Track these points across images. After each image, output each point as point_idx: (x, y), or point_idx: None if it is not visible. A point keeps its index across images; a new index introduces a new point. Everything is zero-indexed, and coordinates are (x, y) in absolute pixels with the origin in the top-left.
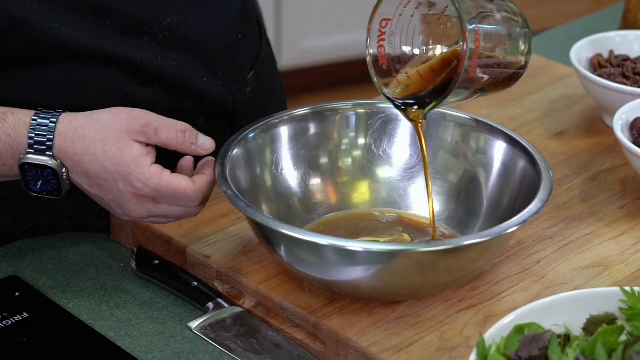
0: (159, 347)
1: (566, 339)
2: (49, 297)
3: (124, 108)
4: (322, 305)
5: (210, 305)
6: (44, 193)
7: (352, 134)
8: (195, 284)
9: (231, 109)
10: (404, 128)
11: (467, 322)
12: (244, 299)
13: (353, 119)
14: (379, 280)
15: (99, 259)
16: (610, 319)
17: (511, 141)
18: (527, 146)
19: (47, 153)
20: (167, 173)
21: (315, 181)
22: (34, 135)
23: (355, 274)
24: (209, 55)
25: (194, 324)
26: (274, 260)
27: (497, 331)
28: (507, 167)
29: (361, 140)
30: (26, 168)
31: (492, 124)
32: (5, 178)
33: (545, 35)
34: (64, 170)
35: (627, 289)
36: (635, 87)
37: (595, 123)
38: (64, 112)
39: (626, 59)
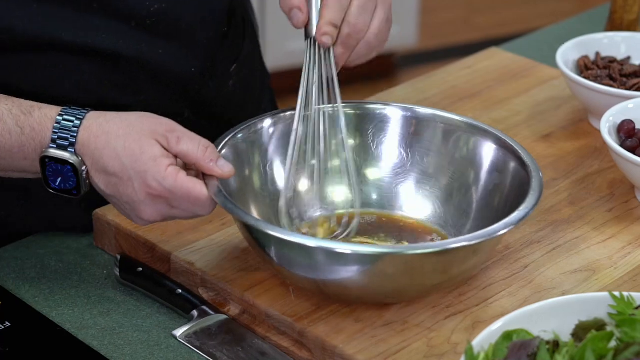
0: (143, 355)
1: (555, 345)
2: (31, 305)
3: (152, 114)
4: (308, 313)
5: (195, 312)
6: (63, 191)
7: (341, 135)
8: (180, 291)
9: (214, 101)
10: (393, 129)
11: (454, 328)
12: (229, 306)
13: (342, 120)
14: (367, 283)
15: (82, 266)
16: (599, 325)
17: (501, 143)
18: (516, 147)
19: (69, 149)
20: (182, 174)
21: (304, 182)
22: (57, 131)
23: (344, 276)
24: (196, 45)
25: (179, 332)
26: (264, 263)
27: (485, 338)
28: (497, 169)
29: (350, 142)
30: (46, 162)
31: (482, 125)
32: (24, 174)
33: (531, 37)
34: (84, 168)
35: (616, 293)
36: (622, 89)
37: (581, 125)
38: (91, 110)
39: (613, 60)
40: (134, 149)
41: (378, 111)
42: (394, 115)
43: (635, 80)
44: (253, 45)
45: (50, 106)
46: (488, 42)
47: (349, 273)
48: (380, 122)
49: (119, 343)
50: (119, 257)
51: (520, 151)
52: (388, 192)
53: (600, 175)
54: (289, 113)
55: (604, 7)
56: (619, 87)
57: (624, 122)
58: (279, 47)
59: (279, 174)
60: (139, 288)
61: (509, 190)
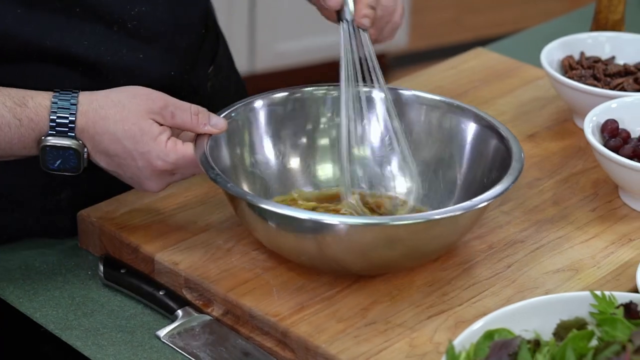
0: (127, 356)
1: (536, 345)
2: (15, 306)
3: (142, 88)
4: (291, 313)
5: (179, 313)
6: (62, 170)
7: (329, 115)
8: (164, 291)
9: (193, 103)
10: (379, 109)
11: (437, 328)
12: (213, 306)
13: (329, 101)
14: (354, 251)
15: (66, 267)
16: (580, 324)
17: (482, 121)
18: (497, 126)
19: (69, 134)
20: (180, 144)
21: (295, 160)
22: (55, 117)
23: (329, 244)
24: (175, 48)
25: (162, 333)
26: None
27: (466, 337)
28: (479, 146)
29: (338, 121)
30: (47, 150)
31: (464, 105)
32: (19, 157)
33: (517, 37)
34: (85, 150)
35: (598, 293)
36: (606, 88)
37: (566, 125)
38: (79, 92)
39: (597, 60)
40: (134, 131)
41: (364, 92)
42: (377, 96)
43: (619, 80)
44: (224, 47)
45: (41, 93)
46: (479, 43)
47: (334, 241)
48: (366, 102)
49: (103, 343)
50: (103, 257)
51: (500, 128)
52: (373, 168)
53: (584, 174)
54: (280, 94)
55: (590, 6)
56: (602, 87)
57: (607, 121)
58: (269, 49)
59: (270, 153)
60: (123, 289)
61: (491, 166)
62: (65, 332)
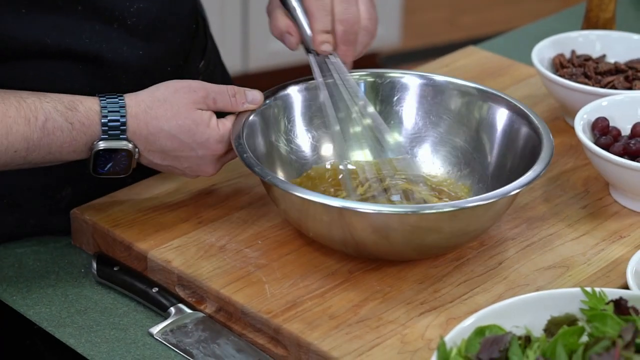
0: (120, 353)
1: (527, 341)
2: (8, 304)
3: (180, 81)
4: (283, 310)
5: (172, 310)
6: (111, 173)
7: (362, 102)
8: (156, 289)
9: None
10: (411, 96)
11: (428, 324)
12: (206, 303)
13: (362, 88)
14: (372, 235)
15: (59, 265)
16: (571, 320)
17: (514, 108)
18: (529, 113)
19: (121, 137)
20: (225, 120)
21: (328, 147)
22: (107, 121)
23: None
24: (172, 44)
25: (155, 330)
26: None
27: (458, 333)
28: (510, 133)
29: (370, 108)
30: (100, 154)
31: (495, 92)
32: (64, 161)
33: (508, 36)
34: (136, 150)
35: (588, 289)
36: (596, 86)
37: (557, 123)
38: (122, 95)
39: (588, 58)
40: (188, 125)
41: (395, 79)
42: (411, 82)
43: (610, 78)
44: (212, 42)
45: (88, 97)
46: (472, 42)
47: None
48: (398, 89)
49: (96, 341)
50: (96, 255)
51: (532, 116)
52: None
53: (575, 172)
54: (312, 81)
55: (581, 5)
56: (593, 85)
57: (598, 119)
58: (262, 48)
59: (304, 139)
60: (116, 286)
61: (521, 153)
62: (59, 329)
